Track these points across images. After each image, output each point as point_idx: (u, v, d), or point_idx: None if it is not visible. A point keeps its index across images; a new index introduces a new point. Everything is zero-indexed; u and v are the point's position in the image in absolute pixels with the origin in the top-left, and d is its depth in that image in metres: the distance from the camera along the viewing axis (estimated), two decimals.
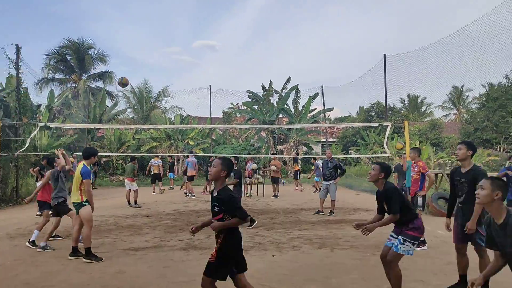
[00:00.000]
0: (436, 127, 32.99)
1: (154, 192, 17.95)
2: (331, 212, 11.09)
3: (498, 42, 13.28)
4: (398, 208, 4.33)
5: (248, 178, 16.87)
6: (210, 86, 25.54)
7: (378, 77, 19.08)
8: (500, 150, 28.77)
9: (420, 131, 31.84)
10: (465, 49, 15.24)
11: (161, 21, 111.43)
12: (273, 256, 6.63)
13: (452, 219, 5.03)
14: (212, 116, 27.32)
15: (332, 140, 35.70)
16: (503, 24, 12.31)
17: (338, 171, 11.32)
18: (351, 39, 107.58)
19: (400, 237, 4.35)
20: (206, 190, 17.39)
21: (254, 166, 17.27)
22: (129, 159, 21.47)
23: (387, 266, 4.47)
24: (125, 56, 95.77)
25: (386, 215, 4.49)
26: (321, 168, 12.92)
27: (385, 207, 4.49)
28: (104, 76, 37.00)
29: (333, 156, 11.80)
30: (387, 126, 15.52)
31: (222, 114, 36.66)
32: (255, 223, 9.47)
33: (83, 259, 6.31)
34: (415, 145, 21.70)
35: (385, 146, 15.63)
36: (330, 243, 7.52)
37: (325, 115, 30.03)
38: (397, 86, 21.55)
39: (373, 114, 35.71)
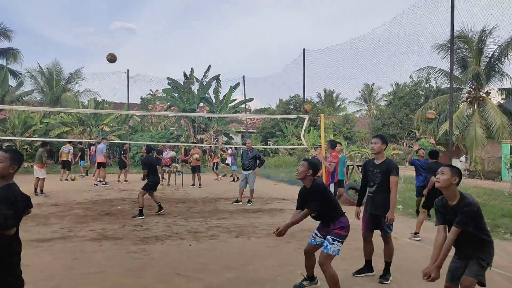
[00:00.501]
0: (348, 121, 35.01)
1: (61, 179, 16.97)
2: (249, 201, 11.26)
3: (404, 45, 14.36)
4: (316, 205, 4.26)
5: (166, 167, 16.50)
6: (128, 70, 24.35)
7: (298, 71, 19.69)
8: (403, 145, 31.35)
9: (334, 125, 33.57)
10: (376, 50, 16.28)
11: None
12: (190, 245, 6.57)
13: (362, 208, 5.37)
14: (129, 102, 26.16)
15: (252, 131, 36.23)
16: (408, 29, 13.30)
17: (258, 161, 11.50)
18: (273, 33, 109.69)
19: (328, 237, 4.26)
20: (120, 179, 16.75)
21: (172, 154, 16.92)
22: (37, 144, 19.89)
23: (310, 259, 4.57)
24: (33, 33, 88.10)
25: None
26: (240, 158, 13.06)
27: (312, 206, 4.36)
28: (8, 53, 33.53)
29: (253, 146, 11.94)
30: (305, 118, 16.09)
31: (141, 100, 35.38)
32: (162, 210, 9.44)
33: None
34: (330, 138, 22.84)
35: (302, 138, 16.20)
36: (247, 232, 7.64)
37: (245, 105, 30.31)
38: (315, 81, 22.47)
39: (291, 106, 36.83)
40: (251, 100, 30.31)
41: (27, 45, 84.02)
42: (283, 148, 28.70)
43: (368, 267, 5.19)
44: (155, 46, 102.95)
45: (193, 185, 15.87)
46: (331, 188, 8.43)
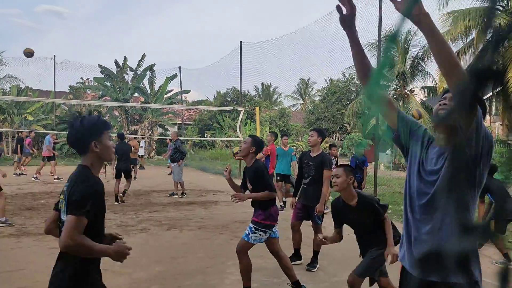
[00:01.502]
0: (284, 115, 35.68)
1: None
2: (182, 193, 11.10)
3: (337, 42, 14.82)
4: (272, 185, 4.23)
5: None
6: (54, 56, 22.83)
7: (235, 64, 19.66)
8: (336, 139, 32.61)
9: (271, 118, 34.07)
10: (311, 45, 16.71)
11: None
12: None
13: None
14: (56, 90, 24.61)
15: (189, 123, 35.72)
16: (339, 26, 13.76)
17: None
18: (210, 24, 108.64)
19: (251, 225, 4.15)
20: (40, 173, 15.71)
21: None
22: None
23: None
24: None
25: (248, 192, 4.33)
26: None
27: (249, 185, 4.31)
28: None
29: (179, 138, 11.59)
30: (241, 111, 16.18)
31: (69, 89, 33.47)
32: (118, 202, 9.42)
33: None
34: (266, 131, 23.16)
35: (238, 130, 16.29)
36: (179, 224, 7.54)
37: (181, 97, 29.79)
38: (252, 74, 22.60)
39: (229, 99, 36.79)
40: (188, 92, 29.84)
41: None
42: (220, 140, 28.64)
43: (296, 255, 5.35)
44: (86, 32, 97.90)
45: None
46: None
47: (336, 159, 9.54)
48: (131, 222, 7.65)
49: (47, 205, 9.29)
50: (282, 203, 9.11)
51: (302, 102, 54.50)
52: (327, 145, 13.68)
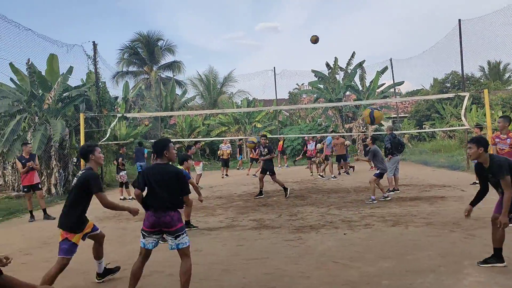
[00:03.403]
0: None
1: (223, 177, 18.18)
2: (390, 190, 10.62)
3: None
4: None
5: (316, 158, 16.73)
6: (274, 68, 25.47)
7: (453, 45, 17.77)
8: None
9: (504, 100, 29.33)
10: None
11: (222, 7, 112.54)
12: (344, 234, 6.58)
13: None
14: (277, 98, 27.32)
15: (404, 115, 34.14)
16: None
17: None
18: (419, 7, 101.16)
19: None
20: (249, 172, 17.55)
21: (320, 146, 17.02)
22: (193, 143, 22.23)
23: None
24: (190, 45, 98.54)
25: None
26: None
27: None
28: (173, 65, 38.50)
29: (393, 132, 11.25)
30: (465, 96, 14.52)
31: (288, 95, 36.53)
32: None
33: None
34: (497, 116, 20.08)
35: (462, 118, 14.66)
36: (404, 221, 7.29)
37: (394, 89, 28.70)
38: (475, 53, 19.95)
39: (448, 85, 33.52)
40: (401, 83, 28.59)
41: (186, 56, 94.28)
42: (441, 131, 26.32)
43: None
44: (298, 40, 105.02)
45: (339, 174, 15.76)
46: None
47: None
48: (354, 218, 7.81)
49: (279, 202, 10.39)
50: None
51: None
52: None
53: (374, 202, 9.34)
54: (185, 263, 4.10)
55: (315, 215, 8.34)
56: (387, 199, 9.55)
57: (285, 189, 11.05)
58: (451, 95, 20.21)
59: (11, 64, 14.56)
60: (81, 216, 4.52)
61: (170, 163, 4.35)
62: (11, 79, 15.11)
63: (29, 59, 14.37)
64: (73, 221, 4.43)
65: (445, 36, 17.51)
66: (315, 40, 9.64)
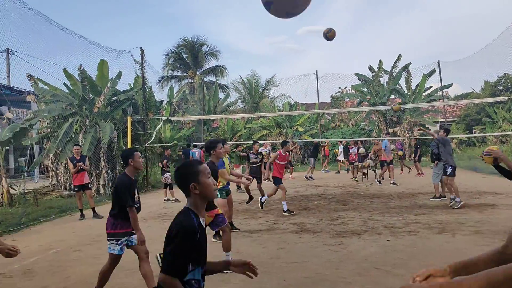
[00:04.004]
0: None
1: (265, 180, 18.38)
2: (435, 197, 10.26)
3: None
4: None
5: (360, 163, 16.40)
6: (316, 71, 25.30)
7: (506, 46, 16.97)
8: None
9: None
10: None
11: (265, 12, 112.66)
12: (387, 240, 6.44)
13: None
14: (319, 101, 27.10)
15: (453, 119, 32.85)
16: None
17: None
18: (466, 7, 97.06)
19: None
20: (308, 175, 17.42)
21: (362, 150, 16.70)
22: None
23: None
24: (233, 50, 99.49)
25: None
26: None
27: None
28: (216, 70, 39.13)
29: (438, 136, 10.72)
30: None
31: (330, 99, 36.12)
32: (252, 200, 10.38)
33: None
34: None
35: None
36: (451, 228, 7.03)
37: (442, 92, 27.70)
38: None
39: (501, 88, 31.92)
40: (449, 86, 27.58)
41: (229, 61, 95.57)
42: (493, 136, 25.11)
43: None
44: (341, 44, 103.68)
45: (383, 179, 15.33)
46: None
47: None
48: (398, 224, 7.62)
49: (320, 206, 10.31)
50: None
51: None
52: None
53: (461, 203, 8.99)
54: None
55: (357, 220, 8.21)
56: (461, 203, 9.09)
57: (251, 199, 10.52)
58: (503, 98, 19.29)
59: (64, 70, 15.41)
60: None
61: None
62: (65, 84, 15.98)
63: (81, 64, 15.15)
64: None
65: (498, 36, 16.73)
66: (331, 35, 9.21)
